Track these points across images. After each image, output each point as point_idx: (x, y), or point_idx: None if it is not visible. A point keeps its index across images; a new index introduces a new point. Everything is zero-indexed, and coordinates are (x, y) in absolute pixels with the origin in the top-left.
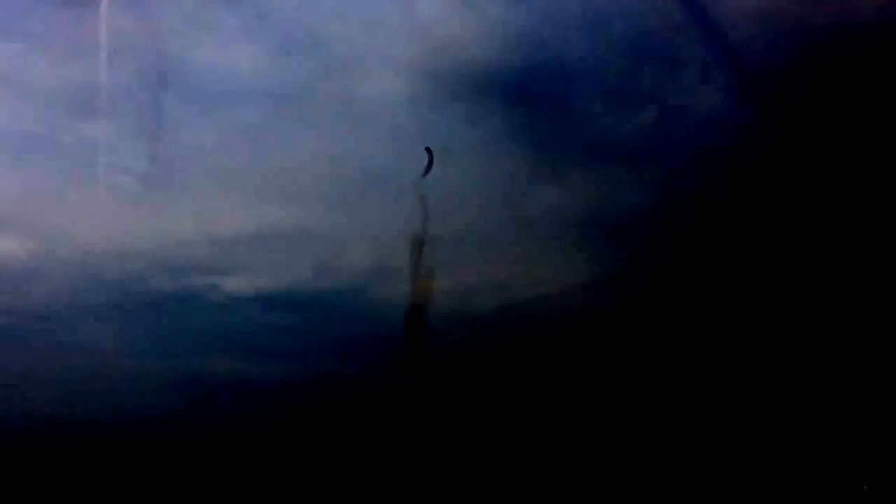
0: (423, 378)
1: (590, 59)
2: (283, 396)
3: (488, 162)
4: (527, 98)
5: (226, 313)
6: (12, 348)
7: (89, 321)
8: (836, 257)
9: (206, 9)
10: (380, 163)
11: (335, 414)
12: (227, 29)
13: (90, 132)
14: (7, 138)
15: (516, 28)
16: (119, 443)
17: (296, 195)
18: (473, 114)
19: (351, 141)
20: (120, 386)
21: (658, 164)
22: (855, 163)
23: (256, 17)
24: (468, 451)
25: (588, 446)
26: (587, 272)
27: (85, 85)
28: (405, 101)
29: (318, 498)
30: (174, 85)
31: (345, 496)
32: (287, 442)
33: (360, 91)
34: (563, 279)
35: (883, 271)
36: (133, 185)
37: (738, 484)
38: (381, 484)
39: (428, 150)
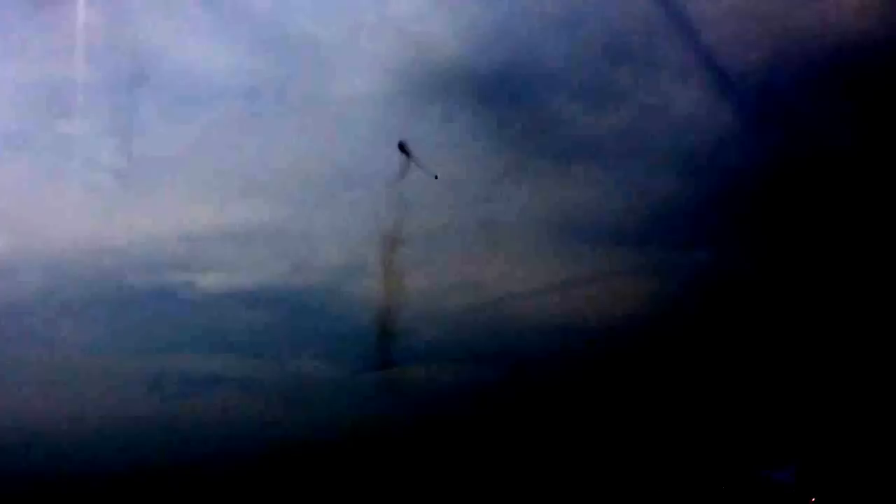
0: (395, 376)
1: (565, 58)
2: (258, 393)
3: (462, 161)
4: (501, 97)
5: (200, 310)
6: None
7: (63, 317)
8: (814, 255)
9: (181, 7)
10: (354, 161)
11: (309, 411)
12: (202, 27)
13: (66, 130)
14: None
15: (492, 27)
16: (90, 439)
17: (271, 193)
18: (448, 113)
19: (326, 139)
20: (93, 381)
21: (633, 165)
22: (832, 160)
23: (232, 16)
24: (441, 448)
25: (555, 439)
26: (559, 272)
27: (60, 83)
28: (380, 100)
29: (293, 494)
30: (150, 83)
31: (319, 492)
32: (261, 440)
33: (335, 89)
34: (534, 279)
35: (859, 265)
36: (108, 182)
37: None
38: (355, 480)
39: (402, 146)
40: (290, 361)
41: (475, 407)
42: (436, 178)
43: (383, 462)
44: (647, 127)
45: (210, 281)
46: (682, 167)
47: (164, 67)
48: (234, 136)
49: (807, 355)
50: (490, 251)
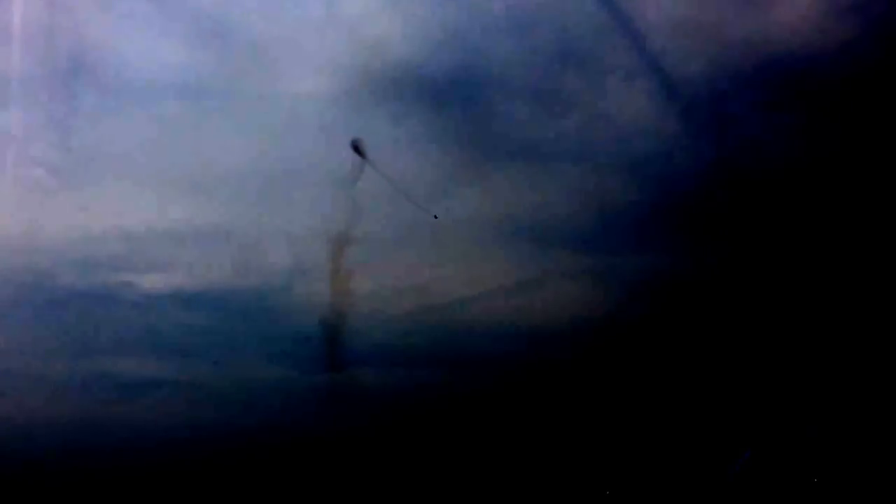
0: (342, 378)
1: (515, 62)
2: (201, 398)
3: (411, 162)
4: (452, 99)
5: (140, 312)
6: None
7: None
8: (759, 259)
9: (123, 1)
10: (301, 161)
11: (254, 414)
12: (145, 21)
13: (1, 123)
14: None
15: (443, 29)
16: (18, 442)
17: (215, 192)
18: (397, 114)
19: (273, 138)
20: (23, 386)
21: (580, 170)
22: (776, 167)
23: (176, 11)
24: (388, 451)
25: (501, 441)
26: (507, 276)
27: None
28: (328, 99)
29: (235, 498)
30: (90, 77)
31: (262, 496)
32: (203, 445)
33: (283, 87)
34: (482, 282)
35: (805, 267)
36: (45, 177)
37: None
38: (299, 483)
39: (356, 145)
40: (235, 364)
41: (423, 409)
42: (435, 217)
43: (329, 465)
44: (595, 132)
45: (152, 282)
46: (628, 172)
47: (105, 62)
48: (177, 133)
49: (755, 356)
50: (439, 253)
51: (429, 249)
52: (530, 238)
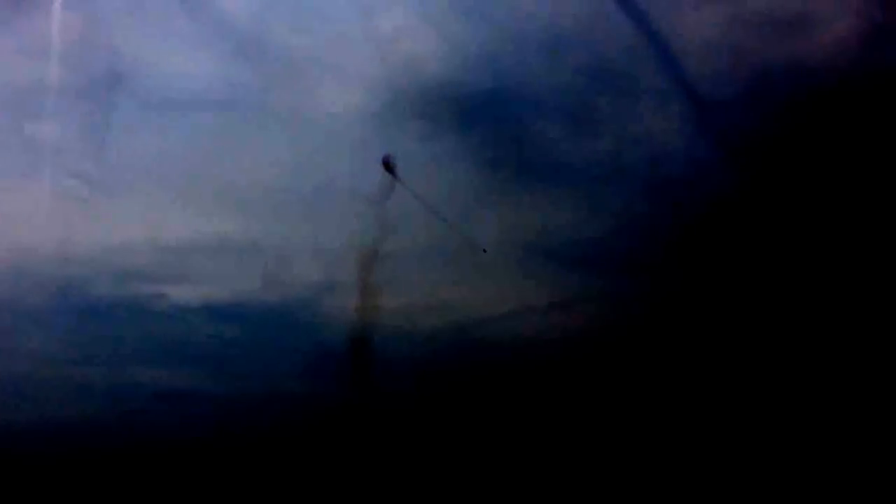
0: (367, 395)
1: (548, 83)
2: (226, 410)
3: (442, 181)
4: (483, 119)
5: (170, 323)
6: None
7: (27, 325)
8: (788, 285)
9: (160, 14)
10: (332, 176)
11: (279, 429)
12: (182, 35)
13: (37, 133)
14: None
15: (477, 48)
16: (52, 452)
17: (246, 205)
18: (429, 132)
19: (304, 153)
20: (55, 393)
21: (611, 192)
22: (809, 193)
23: (212, 24)
24: (414, 469)
25: (529, 464)
26: (534, 296)
27: (33, 85)
28: (360, 115)
29: None
30: (126, 89)
31: None
32: (227, 457)
33: (316, 103)
34: (509, 302)
35: (838, 304)
36: (80, 188)
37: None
38: (321, 499)
39: (387, 162)
40: (262, 378)
41: (447, 427)
42: (484, 251)
43: (352, 479)
44: (627, 154)
45: (182, 293)
46: (660, 195)
47: (142, 74)
48: (211, 146)
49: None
50: (467, 272)
51: (457, 268)
52: (560, 259)
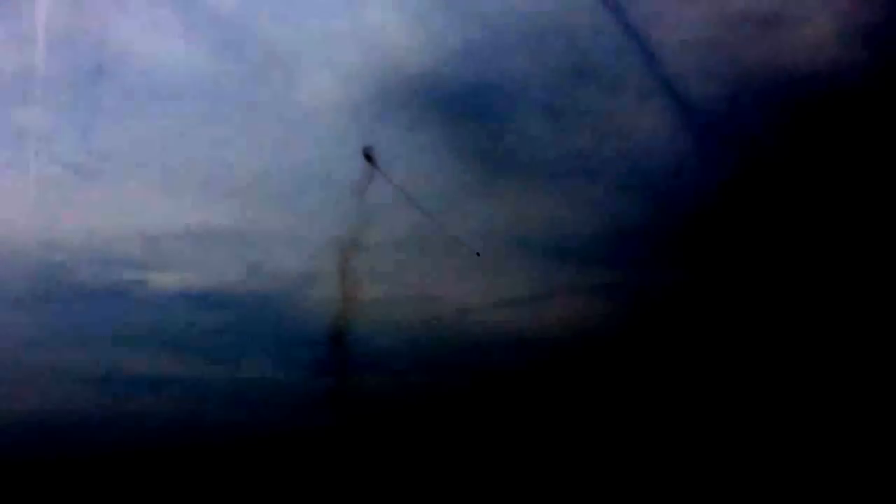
0: (346, 384)
1: (530, 78)
2: (207, 396)
3: (424, 173)
4: (467, 112)
5: (152, 310)
6: None
7: (10, 311)
8: (769, 277)
9: (147, 4)
10: (316, 167)
11: (258, 415)
12: (168, 25)
13: (23, 120)
14: None
15: (461, 42)
16: (30, 437)
17: (229, 194)
18: (413, 124)
19: (287, 143)
20: (36, 377)
21: (591, 186)
22: (790, 188)
23: (198, 16)
24: (390, 456)
25: (506, 449)
26: (516, 288)
27: (21, 73)
28: (345, 107)
29: (235, 495)
30: (113, 78)
31: (262, 495)
32: (209, 441)
33: (300, 94)
34: (490, 294)
35: (821, 297)
36: (65, 175)
37: None
38: (303, 485)
39: (368, 153)
40: (241, 364)
41: (427, 416)
42: (478, 255)
43: (332, 467)
44: (608, 149)
45: (164, 280)
46: (639, 189)
47: (128, 63)
48: (195, 136)
49: (762, 366)
50: (448, 264)
51: (438, 259)
52: (540, 252)
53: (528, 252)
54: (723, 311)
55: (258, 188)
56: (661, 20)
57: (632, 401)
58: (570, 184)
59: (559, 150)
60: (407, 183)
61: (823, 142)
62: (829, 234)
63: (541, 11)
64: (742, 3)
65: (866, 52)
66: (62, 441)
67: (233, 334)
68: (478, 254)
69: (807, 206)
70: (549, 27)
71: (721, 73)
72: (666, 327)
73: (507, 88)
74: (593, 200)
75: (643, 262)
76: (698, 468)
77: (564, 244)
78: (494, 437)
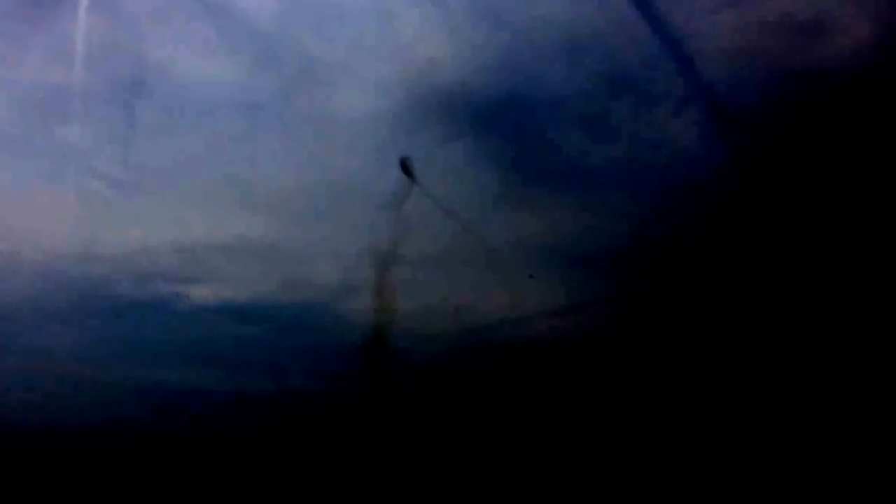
0: (383, 396)
1: (566, 87)
2: (245, 408)
3: (459, 184)
4: (501, 123)
5: (190, 323)
6: None
7: (52, 325)
8: (804, 289)
9: (185, 19)
10: (351, 179)
11: (296, 428)
12: (205, 39)
13: (63, 136)
14: None
15: (495, 53)
16: (77, 449)
17: (266, 207)
18: (447, 135)
19: (323, 156)
20: (80, 392)
21: (626, 196)
22: (825, 198)
23: (235, 30)
24: (428, 470)
25: (543, 467)
26: (550, 299)
27: (60, 88)
28: (380, 119)
29: None
30: (151, 93)
31: None
32: (247, 455)
33: (336, 107)
34: (526, 305)
35: (846, 306)
36: (105, 190)
37: None
38: (341, 500)
39: (405, 164)
40: (280, 377)
41: (462, 429)
42: (531, 276)
43: (365, 480)
44: (643, 160)
45: (202, 293)
46: (675, 200)
47: (165, 78)
48: (232, 149)
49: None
50: (484, 275)
51: (474, 271)
52: (575, 263)
53: (563, 263)
54: (760, 324)
55: (295, 201)
56: (697, 28)
57: (665, 409)
58: (605, 194)
59: (594, 160)
60: (443, 194)
61: (864, 148)
62: (872, 248)
63: (576, 22)
64: (780, 8)
65: None
66: (106, 454)
67: (270, 346)
68: (531, 275)
69: (848, 217)
70: (583, 37)
71: (759, 81)
72: (703, 338)
73: (542, 99)
74: (629, 211)
75: (678, 272)
76: (724, 475)
77: (599, 255)
78: (535, 447)
